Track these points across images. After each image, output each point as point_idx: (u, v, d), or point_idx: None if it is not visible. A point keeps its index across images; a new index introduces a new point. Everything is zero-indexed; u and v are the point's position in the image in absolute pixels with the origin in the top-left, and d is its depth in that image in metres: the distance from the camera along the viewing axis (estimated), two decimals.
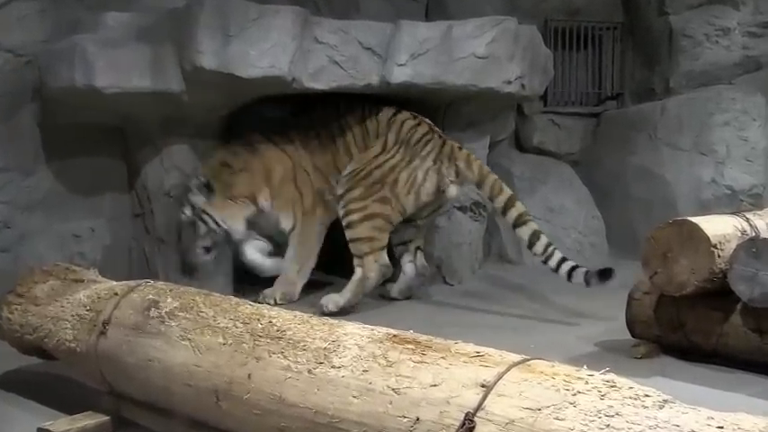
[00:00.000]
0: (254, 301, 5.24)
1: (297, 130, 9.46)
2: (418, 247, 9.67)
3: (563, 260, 8.69)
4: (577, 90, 13.06)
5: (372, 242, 8.90)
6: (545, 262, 8.76)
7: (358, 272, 8.95)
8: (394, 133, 9.13)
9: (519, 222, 8.87)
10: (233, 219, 9.21)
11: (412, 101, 9.47)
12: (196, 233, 9.16)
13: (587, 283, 8.49)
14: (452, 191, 9.16)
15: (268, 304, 6.37)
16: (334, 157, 9.30)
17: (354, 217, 8.90)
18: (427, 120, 9.32)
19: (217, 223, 9.14)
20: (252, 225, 9.36)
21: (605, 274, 8.45)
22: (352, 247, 8.93)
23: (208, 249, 9.22)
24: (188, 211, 9.16)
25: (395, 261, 9.48)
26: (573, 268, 8.62)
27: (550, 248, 8.71)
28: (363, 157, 9.11)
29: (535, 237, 8.77)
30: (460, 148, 9.19)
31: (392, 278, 9.60)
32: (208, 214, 9.13)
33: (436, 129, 9.31)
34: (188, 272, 9.01)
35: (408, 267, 9.65)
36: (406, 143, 9.05)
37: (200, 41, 8.49)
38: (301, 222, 9.36)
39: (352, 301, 8.86)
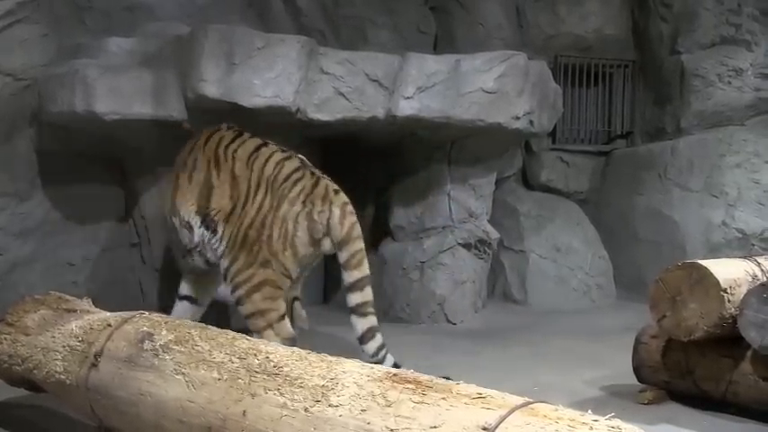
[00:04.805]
0: None
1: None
2: (295, 298, 8.46)
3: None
4: (587, 128, 13.10)
5: (267, 315, 7.66)
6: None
7: None
8: (257, 172, 7.84)
9: (359, 312, 7.65)
10: None
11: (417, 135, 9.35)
12: None
13: None
14: (327, 244, 7.75)
15: None
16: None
17: (242, 291, 7.72)
18: (299, 155, 8.08)
19: None
20: None
21: None
22: (250, 325, 7.72)
23: None
24: None
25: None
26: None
27: (383, 352, 7.62)
28: (234, 219, 7.82)
29: (370, 334, 7.64)
30: (337, 192, 7.81)
31: None
32: None
33: (308, 164, 7.99)
34: None
35: None
36: (272, 184, 7.77)
37: (204, 69, 8.42)
38: None
39: None
